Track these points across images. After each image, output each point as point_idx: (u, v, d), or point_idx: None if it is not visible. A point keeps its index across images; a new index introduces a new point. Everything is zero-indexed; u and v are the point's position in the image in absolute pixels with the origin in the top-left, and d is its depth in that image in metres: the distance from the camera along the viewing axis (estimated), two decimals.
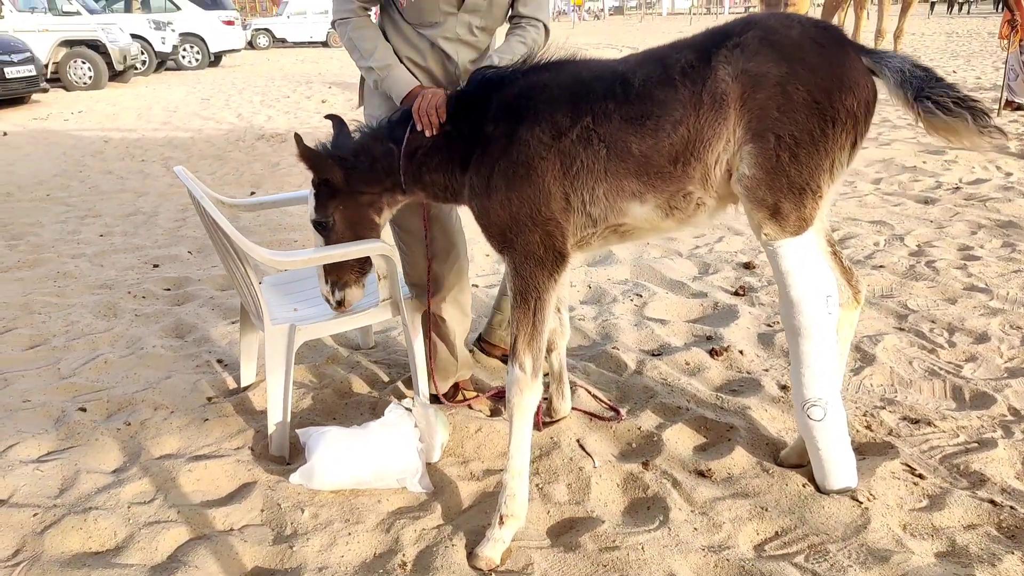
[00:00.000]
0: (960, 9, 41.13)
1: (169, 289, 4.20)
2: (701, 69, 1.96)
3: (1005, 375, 2.97)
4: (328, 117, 2.55)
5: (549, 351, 2.65)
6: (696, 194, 2.05)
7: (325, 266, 2.45)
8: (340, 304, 2.51)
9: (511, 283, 2.15)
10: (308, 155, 2.27)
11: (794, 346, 2.18)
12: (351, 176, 2.33)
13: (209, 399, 2.97)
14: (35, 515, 2.28)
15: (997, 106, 9.00)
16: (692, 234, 4.87)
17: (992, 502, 2.21)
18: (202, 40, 19.90)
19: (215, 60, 20.56)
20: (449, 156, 2.24)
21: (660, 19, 45.16)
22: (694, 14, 46.84)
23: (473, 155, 2.17)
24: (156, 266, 4.56)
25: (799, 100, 1.91)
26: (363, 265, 2.49)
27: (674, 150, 1.99)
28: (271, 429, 2.59)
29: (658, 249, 4.61)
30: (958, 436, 2.56)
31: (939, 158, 6.80)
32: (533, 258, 2.09)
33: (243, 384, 3.06)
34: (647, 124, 1.99)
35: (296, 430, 2.56)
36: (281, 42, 29.60)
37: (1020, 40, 8.87)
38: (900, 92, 1.94)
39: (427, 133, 2.25)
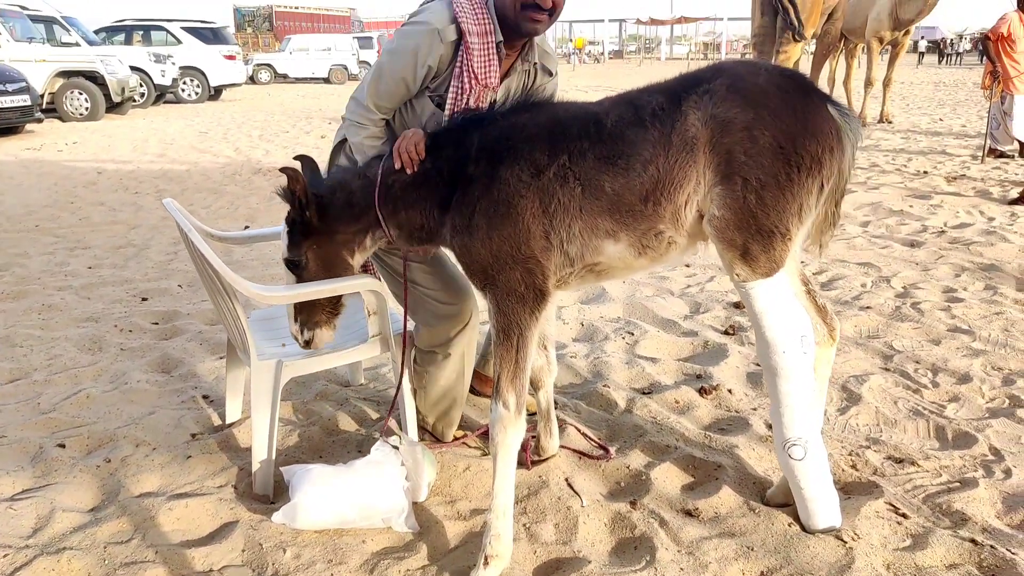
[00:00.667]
0: (950, 60, 42.12)
1: (157, 323, 4.18)
2: (671, 112, 2.02)
3: (987, 415, 3.00)
4: (297, 158, 2.51)
5: (537, 388, 2.66)
6: (667, 233, 2.09)
7: (296, 304, 2.43)
8: (308, 344, 2.45)
9: (493, 320, 2.17)
10: (296, 190, 2.25)
11: (772, 386, 2.20)
12: (326, 214, 2.31)
13: (193, 435, 2.95)
14: (5, 556, 2.23)
15: (981, 153, 9.20)
16: (684, 273, 4.92)
17: (973, 541, 2.22)
18: (202, 74, 20.13)
19: (215, 94, 20.79)
20: (427, 195, 2.25)
21: (659, 64, 45.90)
22: (692, 59, 47.70)
23: (454, 195, 2.19)
24: (145, 299, 4.55)
25: (765, 145, 1.96)
26: (335, 306, 2.46)
27: (644, 189, 2.03)
28: (255, 467, 2.57)
29: (650, 288, 4.65)
30: (941, 476, 2.58)
31: (925, 202, 6.91)
32: (515, 295, 2.11)
33: (229, 420, 3.04)
34: (619, 163, 2.03)
35: (280, 468, 2.54)
36: (283, 77, 29.99)
37: (1002, 90, 9.09)
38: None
39: (408, 170, 2.24)
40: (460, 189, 2.17)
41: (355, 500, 2.35)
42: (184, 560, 2.22)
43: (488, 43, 2.35)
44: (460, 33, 2.33)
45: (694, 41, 61.88)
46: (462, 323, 2.68)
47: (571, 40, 34.90)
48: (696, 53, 54.96)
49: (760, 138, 1.96)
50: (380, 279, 2.61)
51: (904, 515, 2.36)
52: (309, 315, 2.43)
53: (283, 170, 2.24)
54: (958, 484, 2.51)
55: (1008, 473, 2.58)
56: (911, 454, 2.71)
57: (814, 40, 8.29)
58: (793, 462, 2.20)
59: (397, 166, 2.26)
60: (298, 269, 2.35)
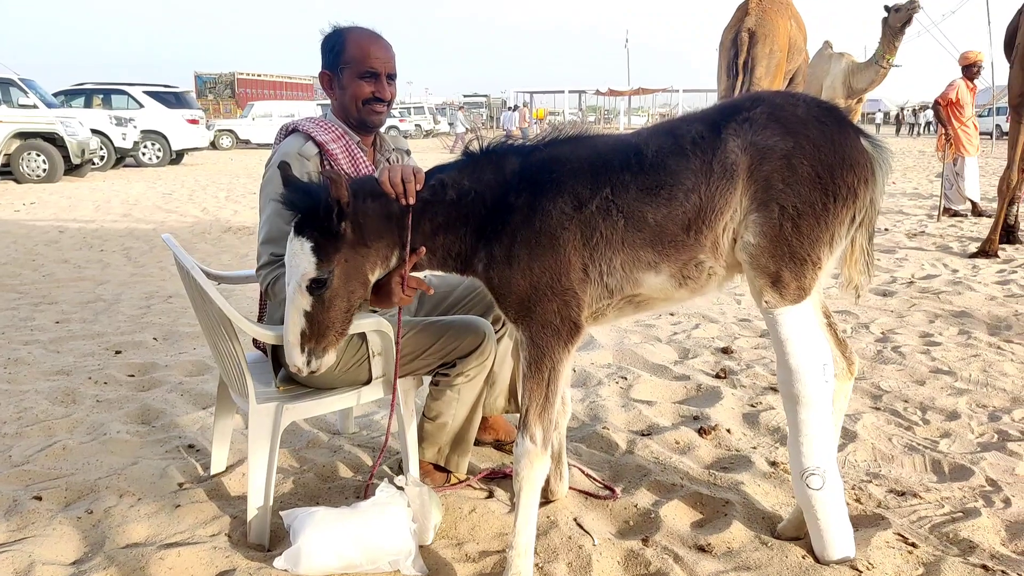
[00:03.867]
0: (909, 130, 44.09)
1: (133, 375, 4.04)
2: (711, 140, 2.05)
3: (979, 449, 3.05)
4: (323, 173, 2.26)
5: None
6: (707, 263, 2.11)
7: (310, 327, 2.14)
8: (313, 373, 2.21)
9: (525, 353, 2.13)
10: (342, 197, 2.06)
11: (792, 415, 2.20)
12: (358, 224, 2.12)
13: (180, 485, 2.82)
14: None
15: (937, 212, 9.61)
16: (670, 321, 4.97)
17: (984, 567, 2.23)
18: (164, 137, 20.03)
19: (177, 158, 20.68)
20: (467, 220, 2.18)
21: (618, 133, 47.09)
22: None
23: (490, 223, 2.14)
24: (119, 352, 4.41)
25: (803, 174, 2.01)
26: (347, 325, 2.23)
27: (687, 218, 2.05)
28: (251, 514, 2.46)
29: (638, 335, 4.68)
30: (943, 506, 2.60)
31: (891, 256, 7.15)
32: (550, 327, 2.09)
33: (216, 470, 2.92)
34: (661, 193, 2.05)
35: (280, 512, 2.44)
36: (245, 143, 30.03)
37: (954, 153, 9.58)
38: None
39: (409, 201, 2.14)
40: (500, 218, 2.13)
41: (360, 543, 2.26)
42: None
43: (348, 144, 2.58)
44: (318, 146, 2.51)
45: (651, 112, 63.99)
46: (483, 355, 2.66)
47: (514, 110, 35.62)
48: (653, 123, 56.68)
49: (799, 167, 2.01)
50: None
51: (914, 544, 2.36)
52: (321, 339, 2.17)
53: (325, 173, 2.07)
54: (961, 514, 2.53)
55: (1007, 502, 2.61)
56: (912, 487, 2.73)
57: None
58: (811, 492, 2.19)
59: (394, 196, 2.14)
60: (321, 288, 2.11)
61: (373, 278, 2.22)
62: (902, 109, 49.02)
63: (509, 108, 38.15)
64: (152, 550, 2.37)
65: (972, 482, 2.76)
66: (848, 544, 2.25)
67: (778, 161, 2.01)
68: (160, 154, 20.09)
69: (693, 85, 55.99)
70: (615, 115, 57.01)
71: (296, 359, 2.16)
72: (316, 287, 2.10)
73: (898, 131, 44.78)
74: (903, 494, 2.69)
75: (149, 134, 19.78)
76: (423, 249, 2.19)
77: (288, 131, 2.64)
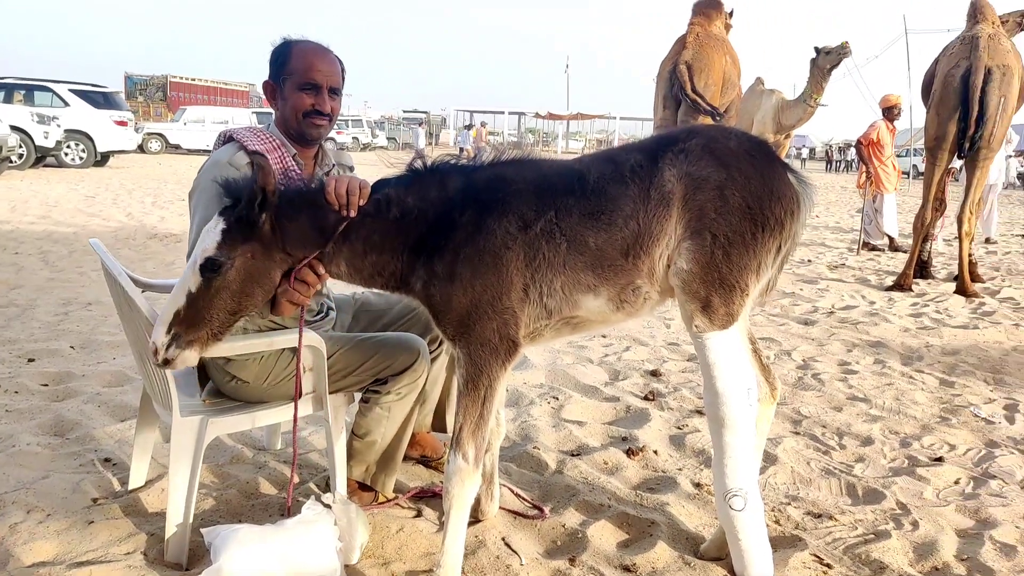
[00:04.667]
0: (835, 166, 45.92)
1: (47, 384, 3.86)
2: (649, 169, 2.12)
3: (890, 473, 3.19)
4: (252, 155, 2.25)
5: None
6: (644, 288, 2.16)
7: (187, 309, 2.06)
8: (167, 363, 2.09)
9: (462, 370, 2.13)
10: (267, 184, 2.03)
11: (717, 437, 2.27)
12: (281, 225, 2.10)
13: (94, 500, 2.70)
14: None
15: (857, 246, 10.06)
16: (601, 343, 5.04)
17: None
18: (89, 138, 19.24)
19: (102, 160, 19.89)
20: (405, 238, 2.16)
21: (554, 156, 47.76)
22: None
23: (432, 241, 2.14)
24: (32, 360, 4.21)
25: (734, 204, 2.09)
26: (225, 326, 2.13)
27: (626, 243, 2.10)
28: (169, 531, 2.38)
29: (570, 356, 4.73)
30: (856, 528, 2.70)
31: (813, 286, 7.44)
32: (488, 346, 2.10)
33: (134, 485, 2.81)
34: (602, 218, 2.10)
35: (201, 529, 2.37)
36: (175, 148, 29.17)
37: (874, 190, 10.09)
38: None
39: (351, 213, 2.12)
40: (443, 235, 2.12)
41: (285, 562, 2.21)
42: None
43: (283, 156, 2.54)
44: (250, 156, 2.45)
45: (588, 137, 65.06)
46: (415, 374, 2.65)
47: (469, 128, 35.88)
48: (590, 149, 57.78)
49: (731, 197, 2.08)
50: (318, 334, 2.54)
51: (828, 565, 2.45)
52: (191, 328, 2.06)
53: (254, 160, 2.03)
54: (873, 536, 2.64)
55: (916, 525, 2.73)
56: (828, 509, 2.84)
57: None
58: (733, 512, 2.25)
59: (336, 207, 2.12)
60: (214, 273, 2.03)
61: (276, 289, 2.16)
62: (829, 146, 51.19)
63: (465, 127, 38.38)
64: (61, 569, 2.26)
65: (884, 505, 2.88)
66: (767, 565, 2.32)
67: (711, 191, 2.09)
68: (84, 155, 19.29)
69: (629, 113, 57.34)
70: (553, 138, 57.70)
71: (159, 336, 2.06)
72: (209, 268, 2.04)
73: (828, 167, 46.67)
74: (819, 516, 2.79)
75: (73, 134, 18.96)
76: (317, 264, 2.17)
77: (225, 139, 2.60)
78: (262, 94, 2.70)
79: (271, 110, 2.67)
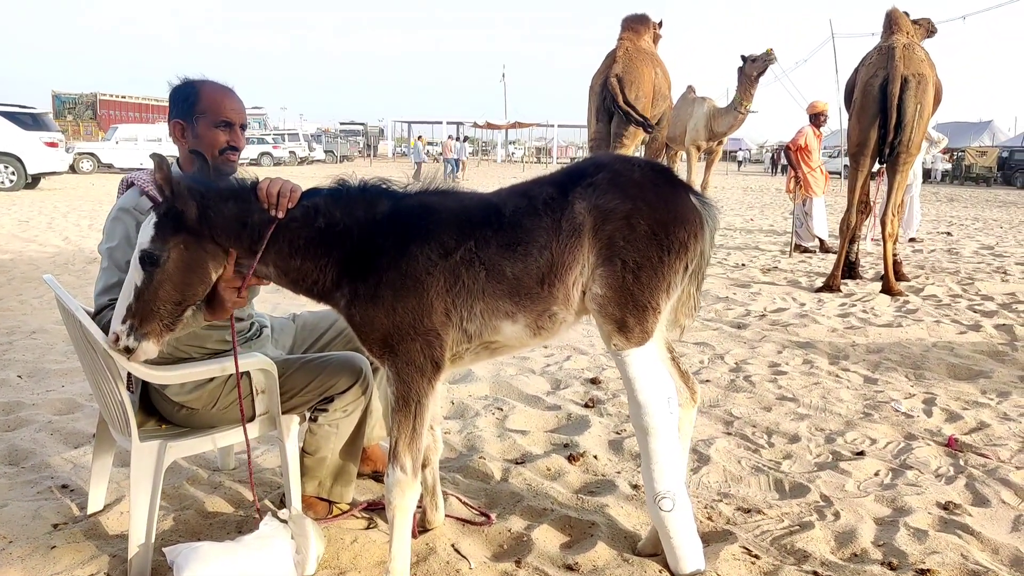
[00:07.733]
0: (773, 169, 46.81)
1: None
2: (560, 202, 2.28)
3: (815, 469, 3.43)
4: (153, 156, 2.23)
5: (424, 466, 2.72)
6: (560, 314, 2.32)
7: (136, 303, 2.18)
8: (128, 351, 2.21)
9: (392, 388, 2.26)
10: (158, 178, 2.14)
11: (643, 444, 2.46)
12: (208, 216, 2.19)
13: (55, 526, 2.77)
14: None
15: (789, 248, 10.47)
16: (543, 353, 5.22)
17: (816, 573, 2.54)
18: (18, 160, 18.69)
19: (32, 182, 19.34)
20: (329, 251, 2.24)
21: (496, 165, 48.22)
22: (526, 162, 50.55)
23: (356, 261, 2.23)
24: None
25: (641, 231, 2.26)
26: (176, 319, 2.23)
27: (541, 272, 2.25)
28: (132, 552, 2.46)
29: (513, 367, 4.90)
30: (783, 521, 2.92)
31: (746, 290, 7.76)
32: (413, 365, 2.22)
33: (94, 508, 2.88)
34: (519, 249, 2.25)
35: (163, 548, 2.46)
36: (107, 167, 28.43)
37: (803, 194, 10.53)
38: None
39: (279, 214, 2.22)
40: (367, 257, 2.23)
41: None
42: None
43: None
44: (153, 202, 2.50)
45: (527, 145, 65.55)
46: (360, 390, 2.76)
47: (409, 139, 35.98)
48: (530, 157, 58.27)
49: (637, 226, 2.26)
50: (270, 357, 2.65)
51: (756, 556, 2.66)
52: (143, 321, 2.18)
53: (152, 156, 2.15)
54: (798, 527, 2.86)
55: (837, 516, 2.96)
56: (757, 504, 3.06)
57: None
58: (663, 513, 2.45)
59: (265, 205, 2.23)
60: (153, 266, 2.15)
61: (215, 277, 2.26)
62: (761, 148, 52.41)
63: (430, 143, 38.19)
64: None
65: (808, 498, 3.11)
66: (698, 558, 2.52)
67: (619, 221, 2.26)
68: (14, 178, 18.72)
69: (567, 121, 58.02)
70: (492, 147, 57.95)
71: (117, 325, 2.20)
72: (147, 261, 2.16)
73: (773, 171, 47.75)
74: (749, 511, 3.00)
75: (2, 156, 18.42)
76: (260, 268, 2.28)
77: (128, 184, 2.67)
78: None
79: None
